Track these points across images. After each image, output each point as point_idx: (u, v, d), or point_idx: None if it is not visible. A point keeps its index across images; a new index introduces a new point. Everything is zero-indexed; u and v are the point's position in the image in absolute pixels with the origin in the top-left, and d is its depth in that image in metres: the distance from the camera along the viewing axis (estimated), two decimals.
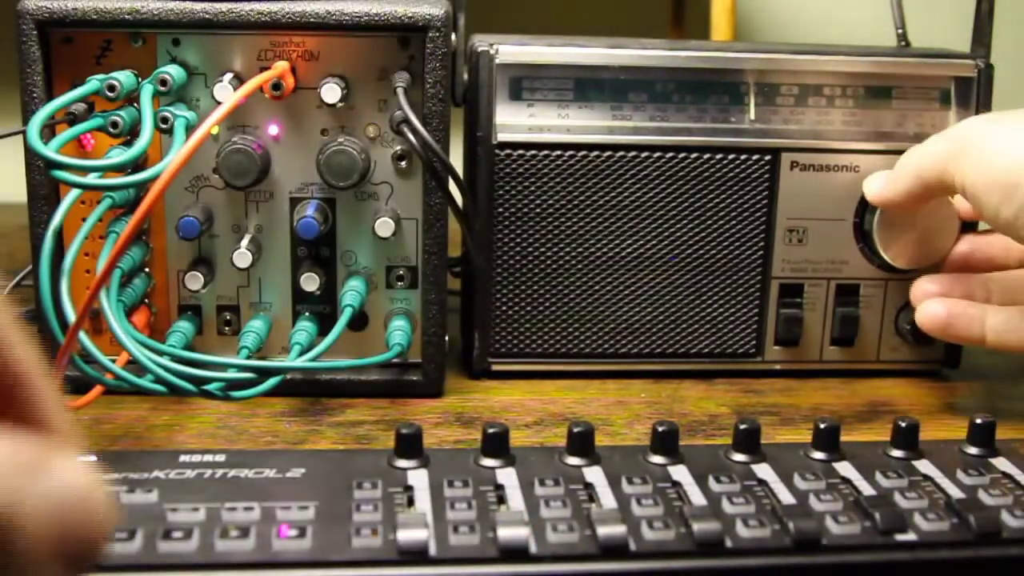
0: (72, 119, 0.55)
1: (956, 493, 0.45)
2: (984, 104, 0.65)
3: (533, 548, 0.40)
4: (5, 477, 0.22)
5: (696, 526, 0.41)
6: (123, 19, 0.56)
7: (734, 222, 0.65)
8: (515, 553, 0.39)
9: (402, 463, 0.46)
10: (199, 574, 0.38)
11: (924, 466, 0.48)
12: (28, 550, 0.22)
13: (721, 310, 0.66)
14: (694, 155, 0.63)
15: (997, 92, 0.65)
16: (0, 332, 0.26)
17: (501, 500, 0.43)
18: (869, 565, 0.41)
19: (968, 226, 0.65)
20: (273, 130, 0.60)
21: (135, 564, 0.38)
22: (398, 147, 0.60)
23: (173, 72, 0.56)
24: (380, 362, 0.59)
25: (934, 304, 0.60)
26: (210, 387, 0.53)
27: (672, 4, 1.11)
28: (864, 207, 0.65)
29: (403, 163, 0.60)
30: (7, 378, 0.26)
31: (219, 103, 0.56)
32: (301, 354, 0.59)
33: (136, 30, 0.57)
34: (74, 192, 0.53)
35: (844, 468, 0.47)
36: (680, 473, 0.46)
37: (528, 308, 0.65)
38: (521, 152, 0.63)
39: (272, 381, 0.55)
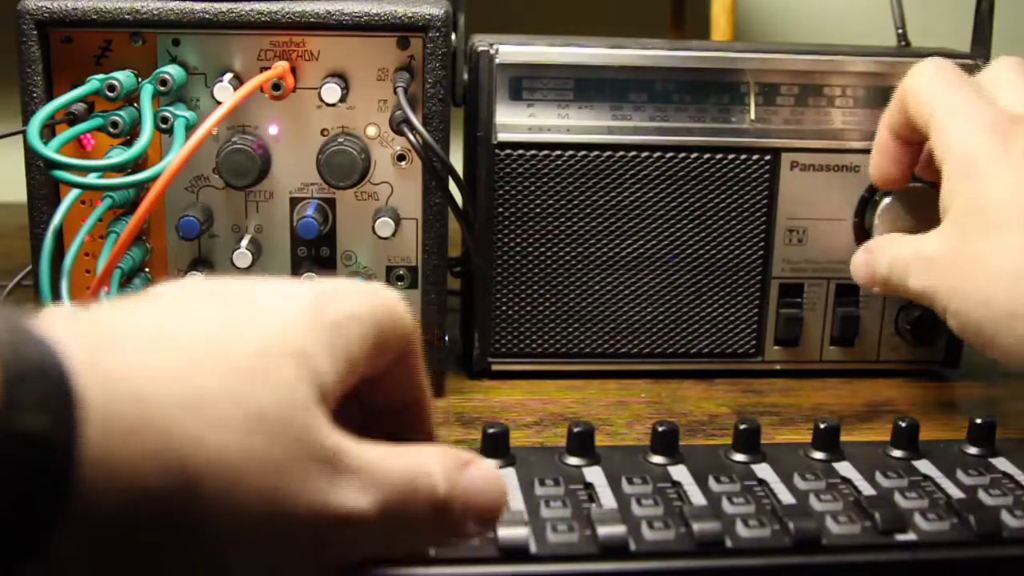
0: (72, 119, 0.55)
1: (956, 493, 0.45)
2: None
3: (533, 548, 0.40)
4: (450, 469, 0.35)
5: (696, 526, 0.41)
6: (123, 19, 0.56)
7: (734, 222, 0.65)
8: (515, 553, 0.39)
9: None
10: None
11: (924, 466, 0.48)
12: (458, 513, 0.35)
13: (721, 310, 0.66)
14: (694, 155, 0.63)
15: None
16: (416, 356, 0.39)
17: None
18: (869, 565, 0.41)
19: None
20: (273, 130, 0.60)
21: None
22: (398, 147, 0.60)
23: (173, 72, 0.56)
24: None
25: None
26: None
27: (672, 4, 1.11)
28: (864, 207, 0.65)
29: (403, 163, 0.60)
30: (420, 403, 0.40)
31: (219, 103, 0.56)
32: None
33: (136, 30, 0.57)
34: (74, 192, 0.53)
35: (844, 468, 0.47)
36: (680, 473, 0.46)
37: (528, 308, 0.65)
38: (521, 152, 0.63)
39: None
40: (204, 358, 0.31)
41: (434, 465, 0.35)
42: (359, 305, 0.35)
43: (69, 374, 0.27)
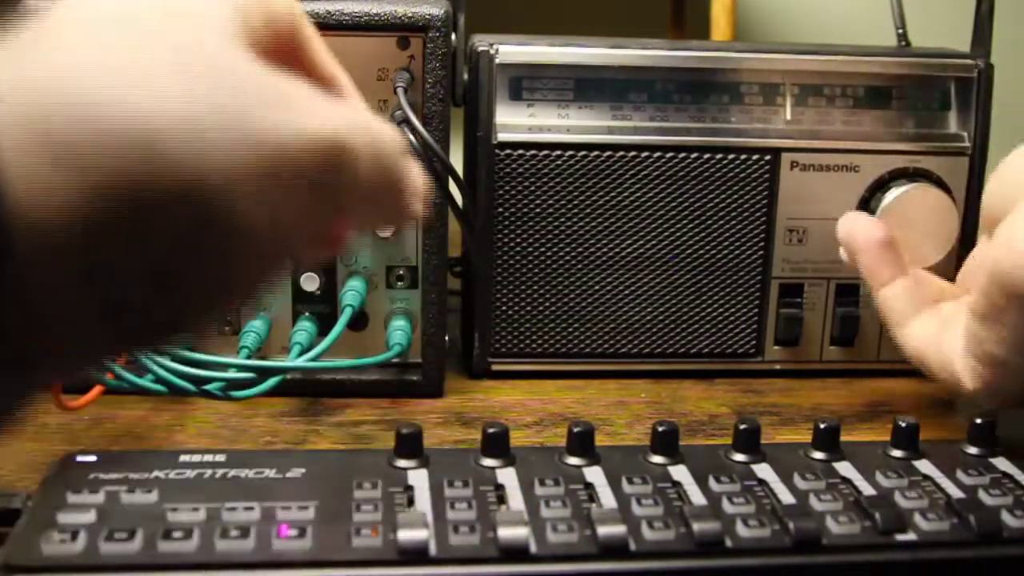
0: None
1: (956, 493, 0.45)
2: (984, 104, 0.65)
3: (533, 548, 0.40)
4: (349, 117, 0.31)
5: (696, 526, 0.41)
6: None
7: (734, 222, 0.65)
8: (515, 553, 0.39)
9: (402, 463, 0.46)
10: (199, 574, 0.38)
11: (924, 466, 0.48)
12: (356, 179, 0.31)
13: (721, 310, 0.66)
14: (694, 155, 0.63)
15: (997, 92, 0.65)
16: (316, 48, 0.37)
17: (501, 500, 0.43)
18: (869, 565, 0.41)
19: (969, 228, 0.65)
20: None
21: (135, 564, 0.38)
22: None
23: None
24: (380, 362, 0.59)
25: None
26: (210, 387, 0.53)
27: (672, 4, 1.11)
28: (864, 207, 0.65)
29: None
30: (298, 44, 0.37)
31: None
32: (301, 354, 0.58)
33: None
34: None
35: (844, 468, 0.47)
36: (680, 473, 0.46)
37: (528, 308, 0.65)
38: (521, 152, 0.63)
39: (272, 381, 0.55)
40: (111, 23, 0.29)
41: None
42: None
43: None
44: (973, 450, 0.49)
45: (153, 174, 0.26)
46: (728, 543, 0.41)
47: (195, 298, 0.29)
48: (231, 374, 0.54)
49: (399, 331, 0.61)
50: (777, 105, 0.65)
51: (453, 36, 0.60)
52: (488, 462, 0.46)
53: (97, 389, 0.56)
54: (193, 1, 0.31)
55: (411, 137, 0.57)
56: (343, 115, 0.31)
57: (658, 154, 0.63)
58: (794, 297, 0.66)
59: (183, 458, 0.45)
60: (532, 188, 0.63)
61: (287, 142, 0.29)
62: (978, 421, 0.50)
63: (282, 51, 0.35)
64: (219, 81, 0.29)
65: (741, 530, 0.41)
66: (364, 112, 0.33)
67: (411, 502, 0.43)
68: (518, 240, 0.64)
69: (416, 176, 0.35)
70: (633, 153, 0.63)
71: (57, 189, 0.25)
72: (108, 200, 0.26)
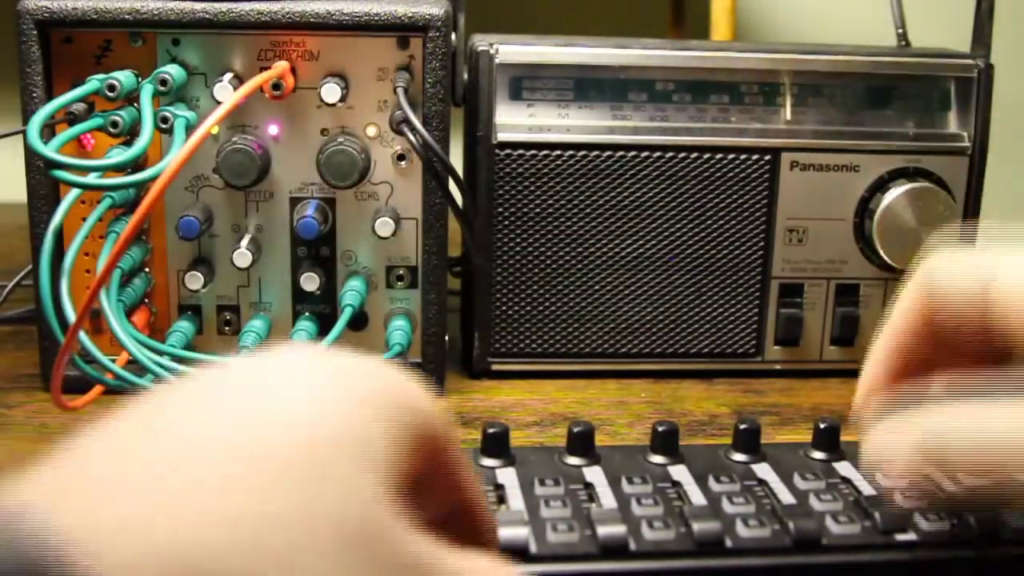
0: (72, 119, 0.55)
1: None
2: (984, 104, 0.65)
3: (533, 548, 0.40)
4: None
5: (696, 526, 0.41)
6: (123, 19, 0.56)
7: (734, 222, 0.65)
8: (515, 553, 0.39)
9: None
10: None
11: None
12: None
13: (721, 310, 0.66)
14: (694, 155, 0.63)
15: (997, 92, 0.65)
16: (462, 465, 0.31)
17: (501, 500, 0.43)
18: (869, 565, 0.41)
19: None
20: (273, 130, 0.60)
21: None
22: (398, 147, 0.60)
23: (173, 72, 0.56)
24: None
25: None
26: None
27: (672, 4, 1.11)
28: (864, 207, 0.65)
29: (403, 163, 0.60)
30: (471, 504, 0.32)
31: (219, 103, 0.56)
32: None
33: (136, 30, 0.57)
34: (74, 192, 0.53)
35: (844, 468, 0.47)
36: (680, 473, 0.46)
37: (528, 308, 0.65)
38: (521, 152, 0.63)
39: None
40: (237, 468, 0.23)
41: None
42: (390, 384, 0.28)
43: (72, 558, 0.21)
44: None
45: None
46: (728, 543, 0.41)
47: None
48: None
49: (399, 331, 0.61)
50: (777, 105, 0.65)
51: (453, 36, 0.60)
52: (488, 462, 0.46)
53: (97, 389, 0.56)
54: (337, 427, 0.26)
55: (411, 137, 0.57)
56: None
57: (658, 154, 0.63)
58: (794, 297, 0.66)
59: None
60: (532, 188, 0.63)
61: None
62: None
63: (423, 464, 0.29)
64: (370, 562, 0.25)
65: (741, 530, 0.41)
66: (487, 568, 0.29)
67: None
68: (518, 240, 0.64)
69: None
70: (633, 153, 0.63)
71: None
72: None
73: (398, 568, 0.25)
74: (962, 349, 0.38)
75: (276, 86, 0.57)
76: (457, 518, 0.32)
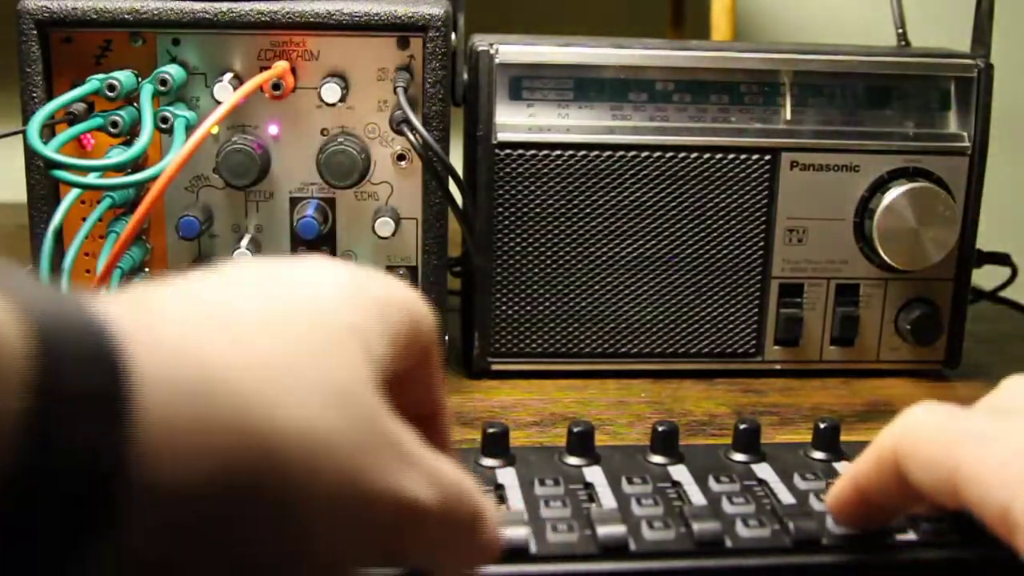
0: (72, 119, 0.55)
1: None
2: (984, 104, 0.65)
3: (533, 548, 0.40)
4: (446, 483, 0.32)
5: (696, 526, 0.41)
6: (123, 19, 0.56)
7: (734, 222, 0.65)
8: (515, 553, 0.39)
9: None
10: None
11: None
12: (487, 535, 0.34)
13: (721, 310, 0.66)
14: (694, 155, 0.63)
15: (997, 92, 0.65)
16: (439, 374, 0.37)
17: (501, 500, 0.43)
18: (869, 565, 0.41)
19: (969, 228, 0.65)
20: (273, 130, 0.60)
21: None
22: (398, 147, 0.60)
23: (173, 72, 0.56)
24: None
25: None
26: None
27: (672, 4, 1.11)
28: (864, 207, 0.65)
29: (403, 163, 0.60)
30: (438, 414, 0.38)
31: (219, 103, 0.56)
32: None
33: (136, 30, 0.57)
34: (74, 192, 0.53)
35: (844, 468, 0.47)
36: (680, 473, 0.46)
37: (528, 308, 0.65)
38: (521, 152, 0.63)
39: None
40: (267, 326, 0.29)
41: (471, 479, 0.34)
42: (395, 289, 0.35)
43: (118, 340, 0.25)
44: None
45: (263, 488, 0.27)
46: (728, 543, 0.41)
47: None
48: None
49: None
50: (777, 105, 0.65)
51: (453, 36, 0.60)
52: (488, 462, 0.46)
53: None
54: (344, 314, 0.32)
55: (411, 137, 0.57)
56: (443, 479, 0.32)
57: (658, 154, 0.63)
58: (794, 297, 0.66)
59: None
60: (532, 188, 0.63)
61: (393, 501, 0.30)
62: None
63: (407, 369, 0.35)
64: (359, 431, 0.30)
65: (741, 530, 0.41)
66: (456, 472, 0.33)
67: None
68: (518, 240, 0.64)
69: (493, 522, 0.35)
70: (633, 153, 0.63)
71: (179, 468, 0.25)
72: (216, 488, 0.26)
73: (374, 435, 0.30)
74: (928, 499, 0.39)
75: (276, 86, 0.57)
76: (423, 424, 0.36)
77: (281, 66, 0.57)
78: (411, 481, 0.31)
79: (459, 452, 0.40)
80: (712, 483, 0.45)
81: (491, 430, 0.46)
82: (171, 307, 0.29)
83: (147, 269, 0.61)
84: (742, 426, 0.48)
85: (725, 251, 0.65)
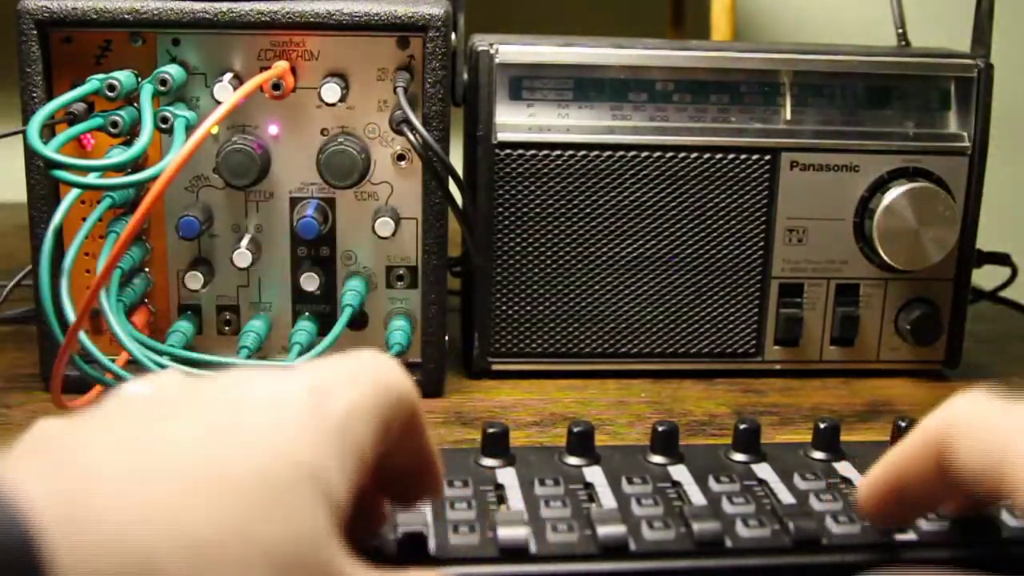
0: (72, 119, 0.55)
1: None
2: (984, 104, 0.65)
3: (533, 548, 0.40)
4: None
5: (696, 526, 0.41)
6: (123, 19, 0.56)
7: (734, 222, 0.65)
8: (515, 553, 0.39)
9: None
10: None
11: None
12: None
13: (721, 310, 0.66)
14: (694, 155, 0.63)
15: (997, 92, 0.65)
16: (420, 420, 0.35)
17: (501, 500, 0.43)
18: (869, 565, 0.41)
19: (969, 228, 0.65)
20: (273, 130, 0.60)
21: None
22: (398, 147, 0.60)
23: (173, 72, 0.56)
24: None
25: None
26: None
27: (672, 4, 1.11)
28: (864, 207, 0.65)
29: (403, 163, 0.60)
30: (428, 466, 0.36)
31: (219, 103, 0.56)
32: (301, 354, 0.59)
33: (136, 30, 0.57)
34: (74, 192, 0.53)
35: (844, 468, 0.47)
36: (680, 473, 0.46)
37: (528, 308, 0.65)
38: (521, 152, 0.63)
39: None
40: (198, 486, 0.26)
41: None
42: (359, 395, 0.32)
43: (39, 541, 0.24)
44: None
45: None
46: (728, 543, 0.41)
47: None
48: None
49: (399, 331, 0.61)
50: (777, 105, 0.65)
51: (453, 36, 0.60)
52: (488, 462, 0.46)
53: (97, 389, 0.56)
54: (300, 452, 0.29)
55: (411, 137, 0.57)
56: None
57: (658, 154, 0.63)
58: (794, 297, 0.66)
59: None
60: (532, 188, 0.63)
61: None
62: None
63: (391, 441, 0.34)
64: None
65: (741, 530, 0.41)
66: None
67: None
68: (518, 240, 0.64)
69: None
70: (633, 153, 0.63)
71: None
72: None
73: None
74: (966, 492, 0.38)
75: (276, 86, 0.57)
76: (415, 475, 0.36)
77: (281, 66, 0.57)
78: None
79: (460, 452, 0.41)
80: (712, 483, 0.45)
81: (491, 430, 0.46)
82: (94, 474, 0.26)
83: (147, 269, 0.61)
84: (742, 426, 0.48)
85: (725, 251, 0.65)
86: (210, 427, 0.28)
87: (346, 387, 0.32)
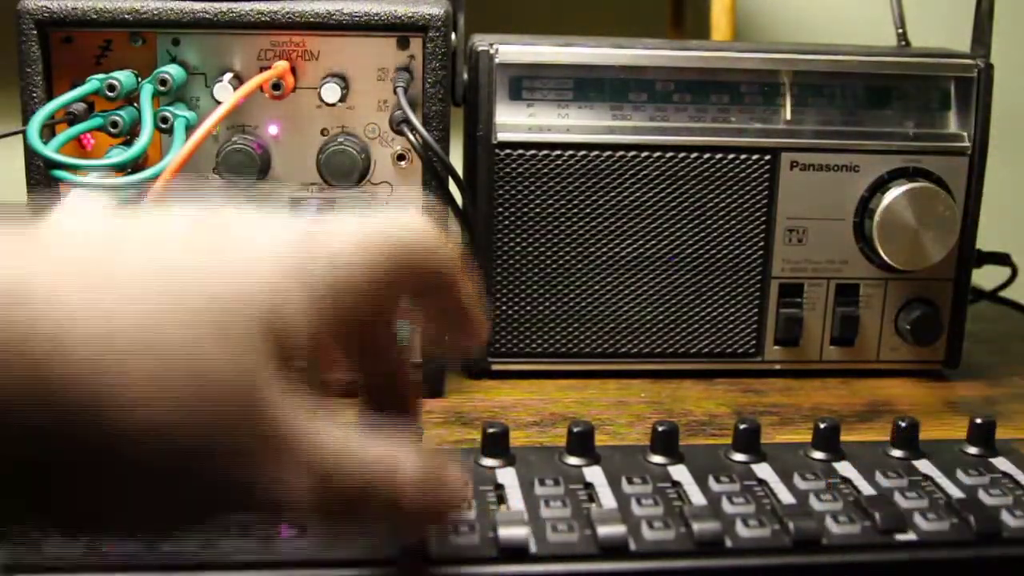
0: (72, 119, 0.55)
1: (956, 493, 0.45)
2: (984, 104, 0.65)
3: (533, 548, 0.40)
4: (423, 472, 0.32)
5: (696, 526, 0.41)
6: (123, 19, 0.56)
7: (734, 222, 0.65)
8: (515, 553, 0.39)
9: None
10: (200, 573, 0.38)
11: (924, 466, 0.48)
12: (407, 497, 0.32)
13: (721, 310, 0.66)
14: (694, 155, 0.63)
15: (997, 92, 0.65)
16: (447, 277, 0.36)
17: (501, 500, 0.43)
18: (869, 565, 0.41)
19: (969, 228, 0.65)
20: (273, 130, 0.60)
21: (137, 563, 0.38)
22: (398, 147, 0.60)
23: (173, 72, 0.56)
24: None
25: None
26: None
27: (672, 4, 1.11)
28: (864, 207, 0.65)
29: (403, 163, 0.60)
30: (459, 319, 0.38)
31: (219, 103, 0.56)
32: None
33: (136, 30, 0.57)
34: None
35: (844, 468, 0.47)
36: (680, 473, 0.46)
37: (528, 308, 0.65)
38: (521, 152, 0.63)
39: None
40: (144, 289, 0.28)
41: (406, 462, 0.33)
42: (354, 245, 0.32)
43: None
44: (973, 450, 0.49)
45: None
46: (728, 543, 0.41)
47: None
48: None
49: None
50: (777, 105, 0.65)
51: (453, 36, 0.60)
52: (488, 462, 0.46)
53: None
54: (259, 279, 0.30)
55: (411, 137, 0.57)
56: (321, 464, 0.31)
57: (658, 154, 0.63)
58: (794, 297, 0.66)
59: None
60: (532, 188, 0.63)
61: (259, 503, 0.30)
62: (978, 421, 0.50)
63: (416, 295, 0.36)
64: (226, 433, 0.29)
65: (741, 530, 0.41)
66: (341, 444, 0.32)
67: None
68: (518, 240, 0.64)
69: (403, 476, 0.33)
70: (633, 153, 0.63)
71: None
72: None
73: (248, 430, 0.29)
74: None
75: (276, 86, 0.57)
76: (453, 320, 0.37)
77: (281, 66, 0.57)
78: (279, 479, 0.30)
79: (460, 451, 0.41)
80: (712, 483, 0.45)
81: (491, 430, 0.47)
82: (52, 250, 0.28)
83: None
84: (742, 426, 0.48)
85: (725, 251, 0.65)
86: (189, 247, 0.30)
87: (343, 236, 0.32)
